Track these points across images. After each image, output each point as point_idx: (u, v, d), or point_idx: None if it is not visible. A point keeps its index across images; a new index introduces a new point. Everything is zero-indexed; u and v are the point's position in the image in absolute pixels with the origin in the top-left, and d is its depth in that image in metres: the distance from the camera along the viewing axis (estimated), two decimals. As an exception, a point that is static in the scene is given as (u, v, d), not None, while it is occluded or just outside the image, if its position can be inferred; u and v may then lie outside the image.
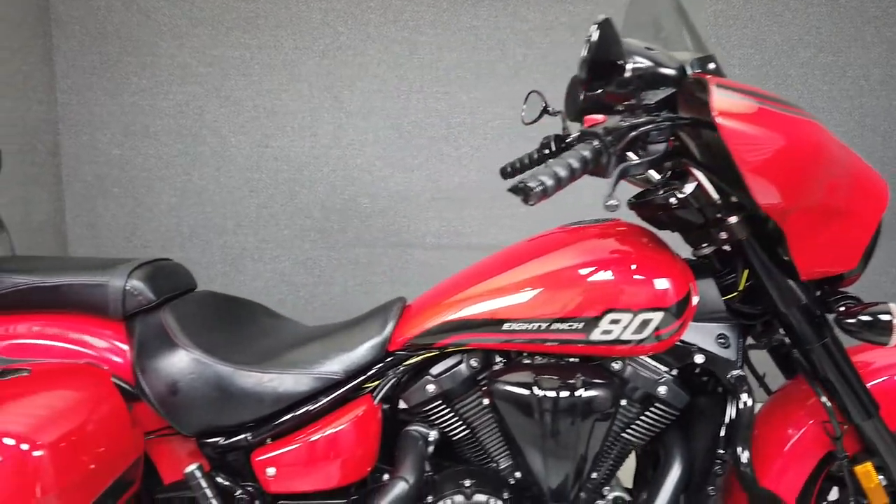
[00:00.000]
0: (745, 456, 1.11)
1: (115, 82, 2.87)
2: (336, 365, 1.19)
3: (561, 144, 1.55)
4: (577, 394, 1.09)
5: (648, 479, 1.30)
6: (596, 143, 0.95)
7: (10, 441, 0.93)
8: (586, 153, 0.94)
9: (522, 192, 0.90)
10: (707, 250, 1.22)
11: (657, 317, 1.08)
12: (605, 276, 1.10)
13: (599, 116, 1.02)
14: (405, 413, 1.29)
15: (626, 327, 1.08)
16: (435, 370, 1.23)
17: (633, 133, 0.98)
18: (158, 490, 1.21)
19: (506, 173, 1.68)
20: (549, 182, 0.90)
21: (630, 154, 1.04)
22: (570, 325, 1.10)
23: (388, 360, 1.22)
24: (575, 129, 1.55)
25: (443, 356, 1.23)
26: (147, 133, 2.89)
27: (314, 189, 2.93)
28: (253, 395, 1.15)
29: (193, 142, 2.90)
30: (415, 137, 2.91)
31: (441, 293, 1.24)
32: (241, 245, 2.97)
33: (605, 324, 1.09)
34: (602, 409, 1.10)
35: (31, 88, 2.69)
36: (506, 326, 1.13)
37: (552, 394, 1.09)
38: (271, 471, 1.15)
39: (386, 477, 1.22)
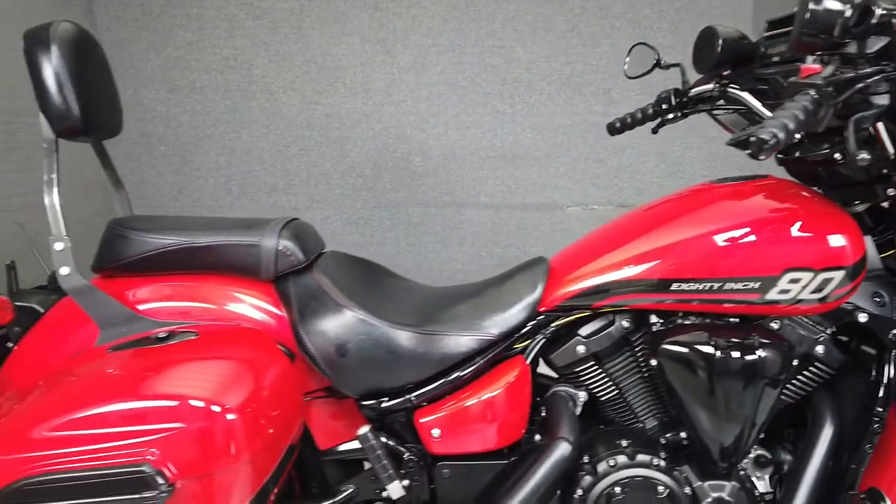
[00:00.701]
0: None
1: (160, 35, 2.76)
2: (492, 325, 1.16)
3: (682, 98, 1.50)
4: (757, 354, 1.07)
5: (785, 437, 1.30)
6: (814, 93, 0.91)
7: (199, 404, 0.90)
8: (807, 104, 0.90)
9: (755, 145, 0.86)
10: (860, 207, 1.20)
11: (838, 276, 1.06)
12: (784, 233, 1.08)
13: (816, 66, 0.98)
14: (541, 376, 1.27)
15: (805, 286, 1.06)
16: (584, 331, 1.21)
17: (860, 84, 0.94)
18: (325, 453, 1.19)
19: (614, 129, 1.63)
20: (781, 135, 0.86)
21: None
22: (744, 285, 1.07)
23: (538, 320, 1.20)
24: (692, 80, 1.50)
25: (591, 316, 1.21)
26: (193, 89, 2.80)
27: (366, 147, 2.86)
28: (419, 356, 1.12)
29: (242, 98, 2.81)
30: (469, 94, 2.84)
31: (590, 252, 1.21)
32: (291, 204, 2.91)
33: (783, 283, 1.06)
34: (776, 369, 1.08)
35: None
36: (674, 287, 1.10)
37: (732, 354, 1.07)
38: (436, 432, 1.13)
39: (538, 438, 1.21)
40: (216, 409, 0.90)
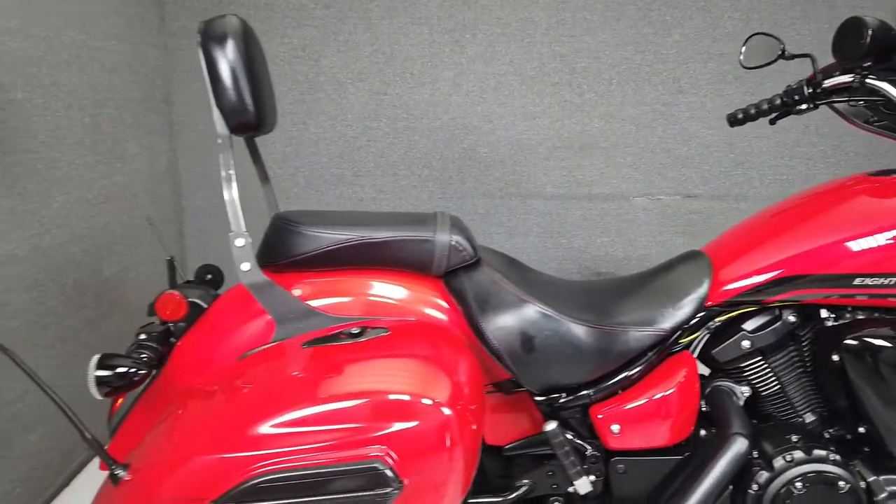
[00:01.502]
0: None
1: (228, 25, 2.73)
2: (664, 320, 1.15)
3: (817, 90, 1.48)
4: None
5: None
6: None
7: (422, 401, 0.90)
8: None
9: None
10: None
11: None
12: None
13: None
14: None
15: None
16: (749, 326, 1.20)
17: None
18: (495, 448, 1.18)
19: (735, 120, 1.61)
20: None
21: None
22: None
23: (704, 314, 1.19)
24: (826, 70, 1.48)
25: (755, 311, 1.20)
26: (261, 79, 2.78)
27: (433, 138, 2.85)
28: (599, 351, 1.12)
29: (309, 89, 2.79)
30: (537, 83, 2.82)
31: (755, 245, 1.19)
32: (357, 196, 2.90)
33: None
34: None
35: (147, 32, 2.56)
36: (857, 281, 1.10)
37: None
38: (616, 427, 1.13)
39: (703, 433, 1.21)
40: (434, 404, 0.90)
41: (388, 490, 0.85)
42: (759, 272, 1.16)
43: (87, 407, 2.17)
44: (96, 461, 2.09)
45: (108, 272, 2.17)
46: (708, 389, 1.22)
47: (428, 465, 0.89)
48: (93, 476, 1.97)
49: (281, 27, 2.75)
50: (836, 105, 1.52)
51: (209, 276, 1.31)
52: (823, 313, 1.18)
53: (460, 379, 0.96)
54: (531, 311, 1.10)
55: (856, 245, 1.11)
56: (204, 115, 2.79)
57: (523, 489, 1.17)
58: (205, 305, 1.18)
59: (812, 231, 1.15)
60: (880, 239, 1.10)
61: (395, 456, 0.87)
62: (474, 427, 0.95)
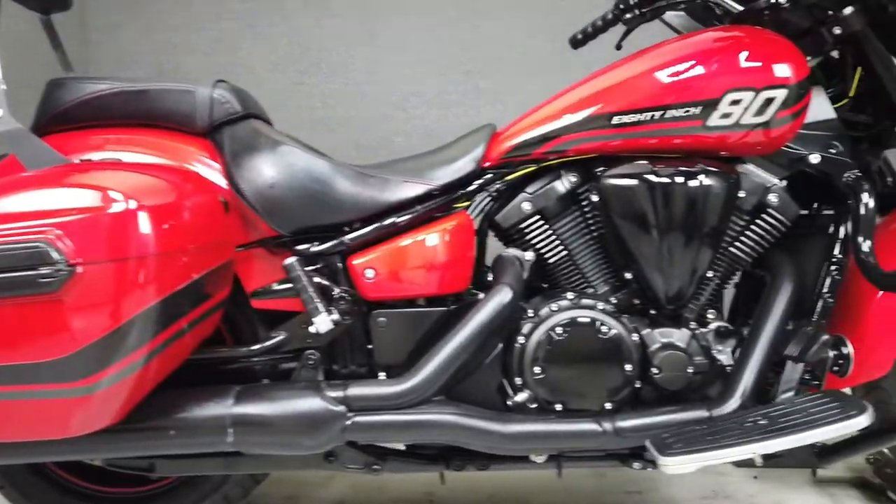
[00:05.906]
0: (866, 245, 1.05)
1: (148, 19, 2.84)
2: (434, 176, 1.14)
3: None
4: (699, 180, 1.04)
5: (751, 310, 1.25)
6: None
7: (110, 194, 0.86)
8: None
9: None
10: (813, 62, 1.18)
11: (780, 95, 1.03)
12: (723, 55, 1.06)
13: None
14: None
15: (746, 108, 1.03)
16: (531, 188, 1.18)
17: None
18: (254, 294, 1.14)
19: (577, 41, 1.62)
20: None
21: None
22: (686, 112, 1.05)
23: (485, 177, 1.18)
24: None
25: (538, 174, 1.18)
26: (179, 71, 2.85)
27: (349, 126, 2.88)
28: (354, 193, 1.09)
29: (227, 78, 2.85)
30: (451, 72, 2.87)
31: (534, 109, 1.20)
32: (274, 184, 2.92)
33: (724, 106, 1.04)
34: (722, 196, 1.05)
35: (70, 24, 2.65)
36: (615, 120, 1.08)
37: (672, 179, 1.04)
38: (370, 272, 1.09)
39: (482, 297, 1.17)
40: (120, 197, 0.86)
41: (51, 269, 0.80)
42: (526, 129, 1.15)
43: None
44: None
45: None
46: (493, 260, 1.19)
47: (105, 255, 0.83)
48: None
49: (200, 20, 2.84)
50: (666, 20, 1.53)
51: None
52: (599, 168, 1.15)
53: (181, 201, 0.93)
54: (282, 150, 1.08)
55: (612, 89, 1.10)
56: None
57: (278, 339, 1.11)
58: None
59: (577, 86, 1.15)
60: (635, 80, 1.09)
61: (67, 239, 0.83)
62: (183, 248, 0.91)
